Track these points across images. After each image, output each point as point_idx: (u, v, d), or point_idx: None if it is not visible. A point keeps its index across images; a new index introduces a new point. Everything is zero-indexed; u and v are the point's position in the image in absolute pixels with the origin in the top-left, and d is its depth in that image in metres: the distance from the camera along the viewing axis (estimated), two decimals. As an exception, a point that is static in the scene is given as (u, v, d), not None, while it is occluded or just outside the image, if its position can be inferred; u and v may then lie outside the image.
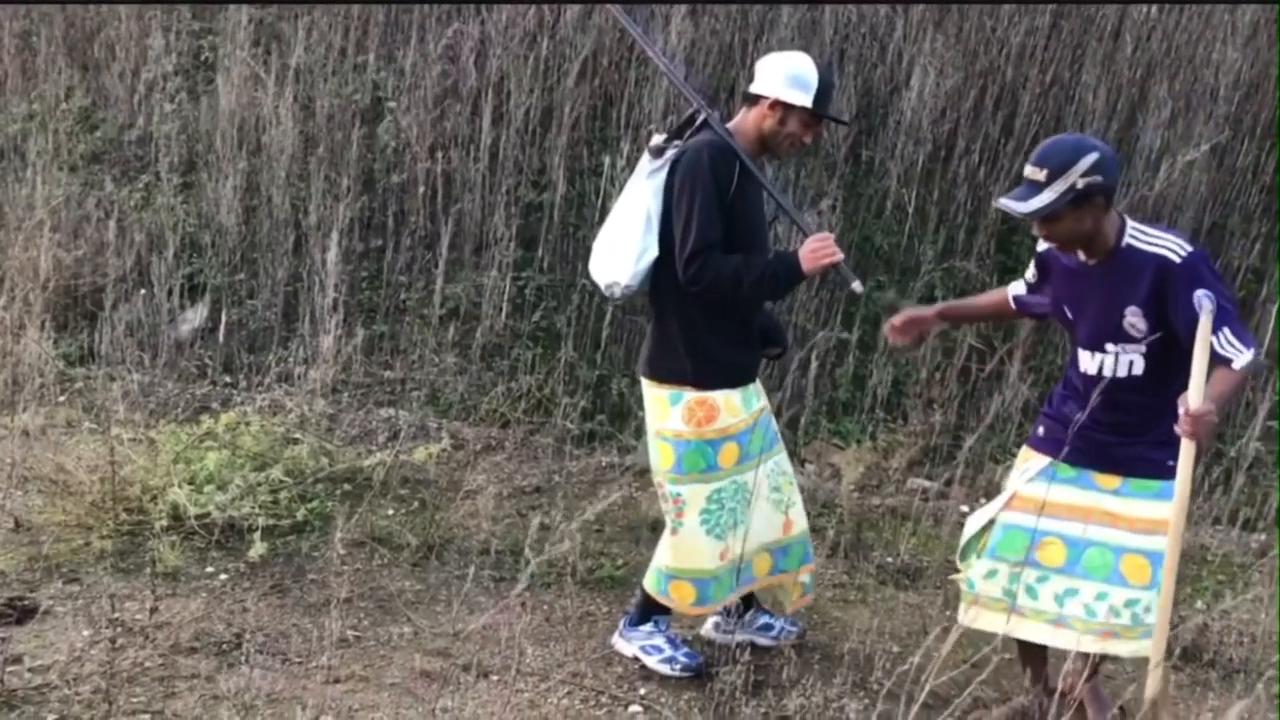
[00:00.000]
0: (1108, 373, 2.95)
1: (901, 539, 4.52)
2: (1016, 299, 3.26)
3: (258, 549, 3.83)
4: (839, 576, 4.32)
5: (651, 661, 3.45)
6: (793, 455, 5.41)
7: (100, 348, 5.28)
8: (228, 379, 5.48)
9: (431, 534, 4.18)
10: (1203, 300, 2.71)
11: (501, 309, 5.67)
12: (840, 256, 3.15)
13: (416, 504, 4.50)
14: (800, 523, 3.52)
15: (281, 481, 4.16)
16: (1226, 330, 2.75)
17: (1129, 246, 2.85)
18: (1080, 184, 2.75)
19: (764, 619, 3.66)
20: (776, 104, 3.21)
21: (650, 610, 3.48)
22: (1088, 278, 2.94)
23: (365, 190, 6.04)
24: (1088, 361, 3.00)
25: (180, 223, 5.99)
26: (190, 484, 4.07)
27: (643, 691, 3.36)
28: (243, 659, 3.27)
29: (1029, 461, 3.11)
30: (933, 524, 4.70)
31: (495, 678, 3.36)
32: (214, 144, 6.09)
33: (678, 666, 3.42)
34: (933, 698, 3.23)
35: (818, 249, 3.14)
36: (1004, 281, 5.94)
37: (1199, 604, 4.04)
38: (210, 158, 6.09)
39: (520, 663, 3.45)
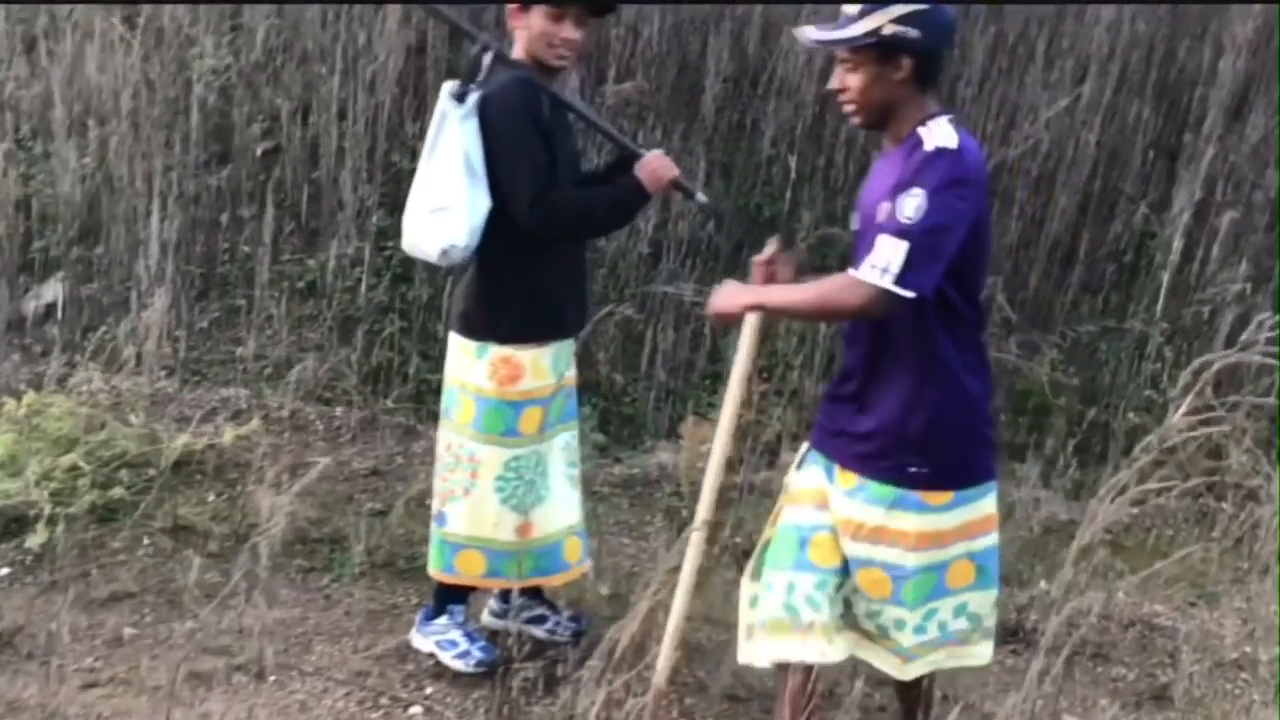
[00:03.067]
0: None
1: (757, 518, 4.31)
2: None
3: (38, 538, 3.58)
4: (680, 559, 4.10)
5: (446, 657, 3.23)
6: (670, 433, 5.23)
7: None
8: (59, 358, 5.17)
9: (242, 522, 3.93)
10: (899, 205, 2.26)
11: (362, 280, 5.42)
12: (677, 171, 3.04)
13: (238, 490, 4.25)
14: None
15: (80, 467, 3.89)
16: (902, 247, 2.24)
17: (916, 135, 2.35)
18: (887, 30, 2.29)
19: (539, 610, 3.44)
20: (515, 13, 2.98)
21: (445, 601, 3.26)
22: (877, 170, 2.52)
23: (222, 160, 5.74)
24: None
25: (31, 195, 5.68)
26: (-20, 471, 3.82)
27: (429, 691, 3.15)
28: (-9, 663, 3.03)
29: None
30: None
31: (272, 678, 3.14)
32: (59, 112, 5.77)
33: (472, 662, 3.21)
34: (746, 690, 3.07)
35: (656, 167, 3.00)
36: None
37: (1042, 584, 3.86)
38: (56, 127, 5.77)
39: (303, 661, 3.22)
